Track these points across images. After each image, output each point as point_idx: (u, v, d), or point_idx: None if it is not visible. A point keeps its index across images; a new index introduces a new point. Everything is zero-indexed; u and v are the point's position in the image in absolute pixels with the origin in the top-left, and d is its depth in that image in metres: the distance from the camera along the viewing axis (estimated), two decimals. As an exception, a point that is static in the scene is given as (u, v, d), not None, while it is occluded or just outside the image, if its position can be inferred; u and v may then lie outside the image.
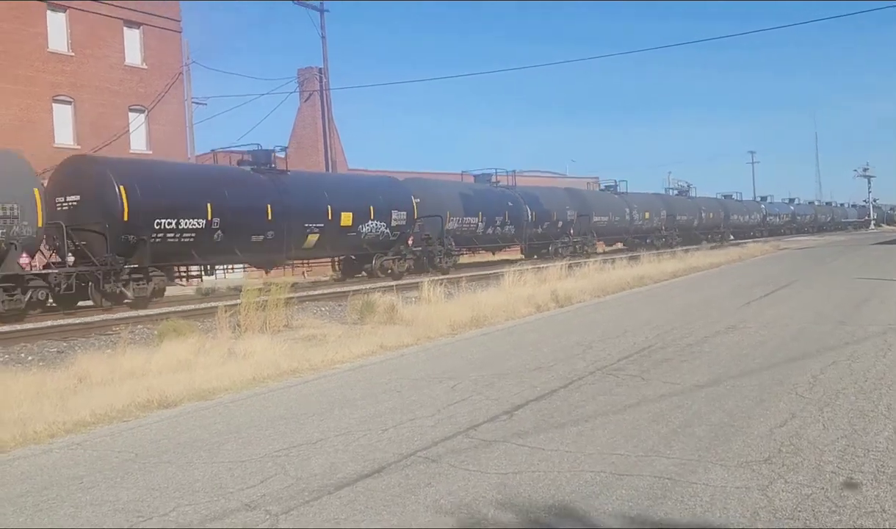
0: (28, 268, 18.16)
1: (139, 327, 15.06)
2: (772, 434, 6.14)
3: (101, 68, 34.89)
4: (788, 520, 4.45)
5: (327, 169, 38.10)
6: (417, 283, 19.38)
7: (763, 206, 78.32)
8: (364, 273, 28.63)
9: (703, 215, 60.01)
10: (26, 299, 17.79)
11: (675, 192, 60.68)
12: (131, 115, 35.98)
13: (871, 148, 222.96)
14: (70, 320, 16.58)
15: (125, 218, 19.78)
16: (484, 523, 4.60)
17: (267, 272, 26.41)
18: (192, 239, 21.42)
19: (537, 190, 41.83)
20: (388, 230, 28.40)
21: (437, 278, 21.07)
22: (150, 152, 35.15)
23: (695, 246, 47.45)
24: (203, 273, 23.80)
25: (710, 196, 67.09)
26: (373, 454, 6.09)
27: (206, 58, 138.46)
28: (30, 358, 12.36)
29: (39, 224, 18.38)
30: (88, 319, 16.73)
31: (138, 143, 35.94)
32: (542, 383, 8.62)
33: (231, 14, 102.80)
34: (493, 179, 38.61)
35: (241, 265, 24.63)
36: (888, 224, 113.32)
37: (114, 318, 16.58)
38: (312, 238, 25.38)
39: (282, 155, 25.92)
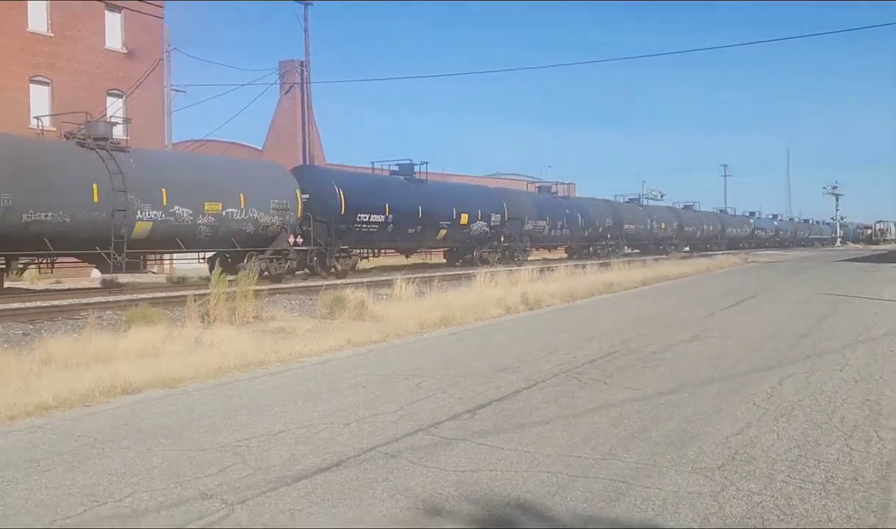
0: (291, 245, 25.53)
1: (107, 312, 14.97)
2: (727, 442, 6.24)
3: (80, 50, 34.50)
4: (738, 526, 4.55)
5: (304, 161, 38.26)
6: (390, 281, 19.42)
7: (752, 220, 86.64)
8: (460, 261, 36.08)
9: (705, 226, 69.25)
10: (286, 267, 25.31)
11: (682, 206, 69.61)
12: (109, 99, 35.59)
13: (841, 165, 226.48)
14: (38, 304, 16.46)
15: (342, 212, 27.59)
16: (438, 519, 4.65)
17: (408, 257, 35.55)
18: (375, 230, 29.50)
19: (585, 201, 50.81)
20: (488, 228, 36.47)
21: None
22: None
23: (668, 255, 48.65)
24: (371, 255, 32.14)
25: (710, 211, 77.55)
26: (333, 447, 6.12)
27: (189, 46, 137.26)
28: (-6, 340, 12.23)
29: (299, 215, 25.84)
30: (56, 302, 16.60)
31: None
32: (506, 383, 8.69)
33: (220, 12, 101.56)
34: (553, 190, 47.24)
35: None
36: (853, 242, 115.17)
37: (81, 302, 16.47)
38: (442, 232, 33.76)
39: (424, 169, 33.47)
